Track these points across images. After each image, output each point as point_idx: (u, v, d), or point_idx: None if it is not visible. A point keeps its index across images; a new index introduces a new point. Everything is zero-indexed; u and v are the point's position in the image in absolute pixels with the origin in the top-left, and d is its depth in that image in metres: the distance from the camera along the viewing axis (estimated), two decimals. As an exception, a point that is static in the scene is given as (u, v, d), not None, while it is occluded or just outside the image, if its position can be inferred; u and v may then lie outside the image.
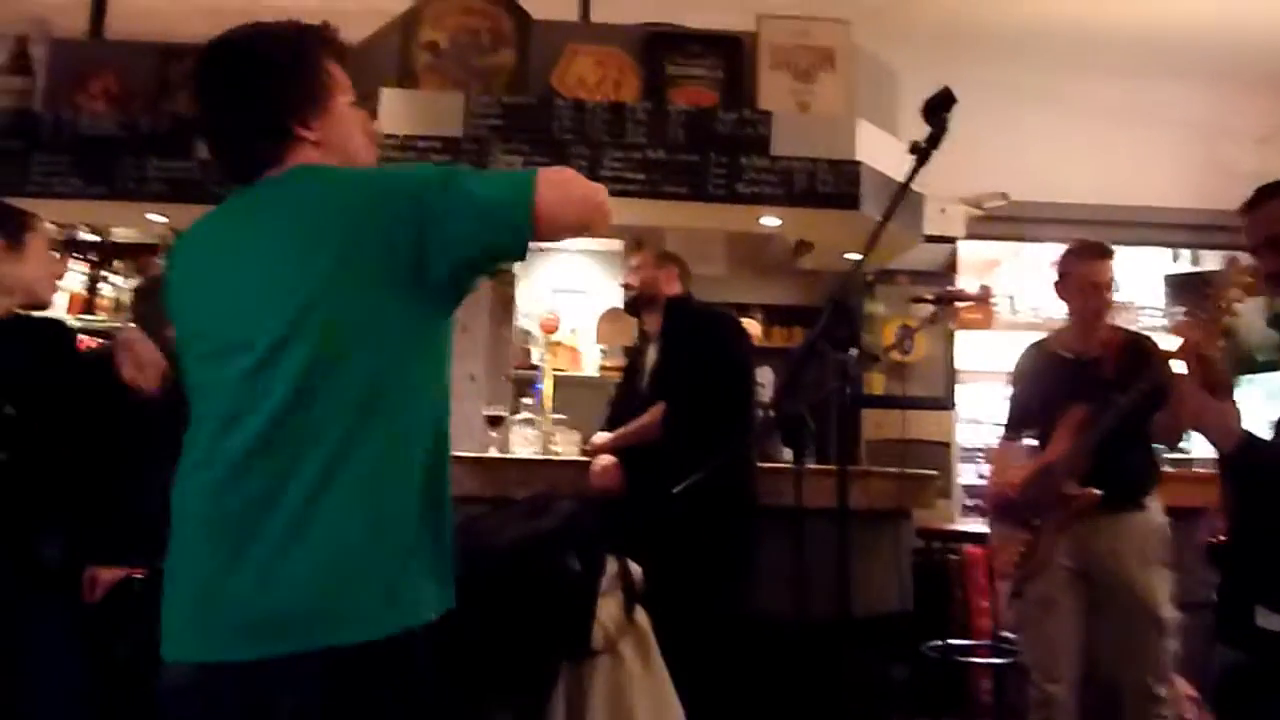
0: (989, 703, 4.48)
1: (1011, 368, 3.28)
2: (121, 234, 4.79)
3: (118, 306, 4.79)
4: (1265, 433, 1.88)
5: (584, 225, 1.34)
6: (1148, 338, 3.11)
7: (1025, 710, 3.08)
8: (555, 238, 1.36)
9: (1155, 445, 2.96)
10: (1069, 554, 2.94)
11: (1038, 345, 3.23)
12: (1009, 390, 3.29)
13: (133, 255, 4.87)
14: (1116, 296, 3.06)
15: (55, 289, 2.46)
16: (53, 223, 4.29)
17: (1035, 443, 3.10)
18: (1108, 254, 3.05)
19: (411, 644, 1.22)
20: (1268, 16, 4.63)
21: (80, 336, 2.65)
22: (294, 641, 1.17)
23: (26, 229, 2.32)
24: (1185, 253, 5.83)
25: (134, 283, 4.60)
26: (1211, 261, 5.68)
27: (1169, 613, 2.91)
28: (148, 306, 3.09)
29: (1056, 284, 3.14)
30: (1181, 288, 5.34)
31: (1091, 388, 2.89)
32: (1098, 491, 2.84)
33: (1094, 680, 2.99)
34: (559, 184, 1.30)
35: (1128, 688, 2.90)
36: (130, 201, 4.08)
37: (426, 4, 4.13)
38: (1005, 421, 3.29)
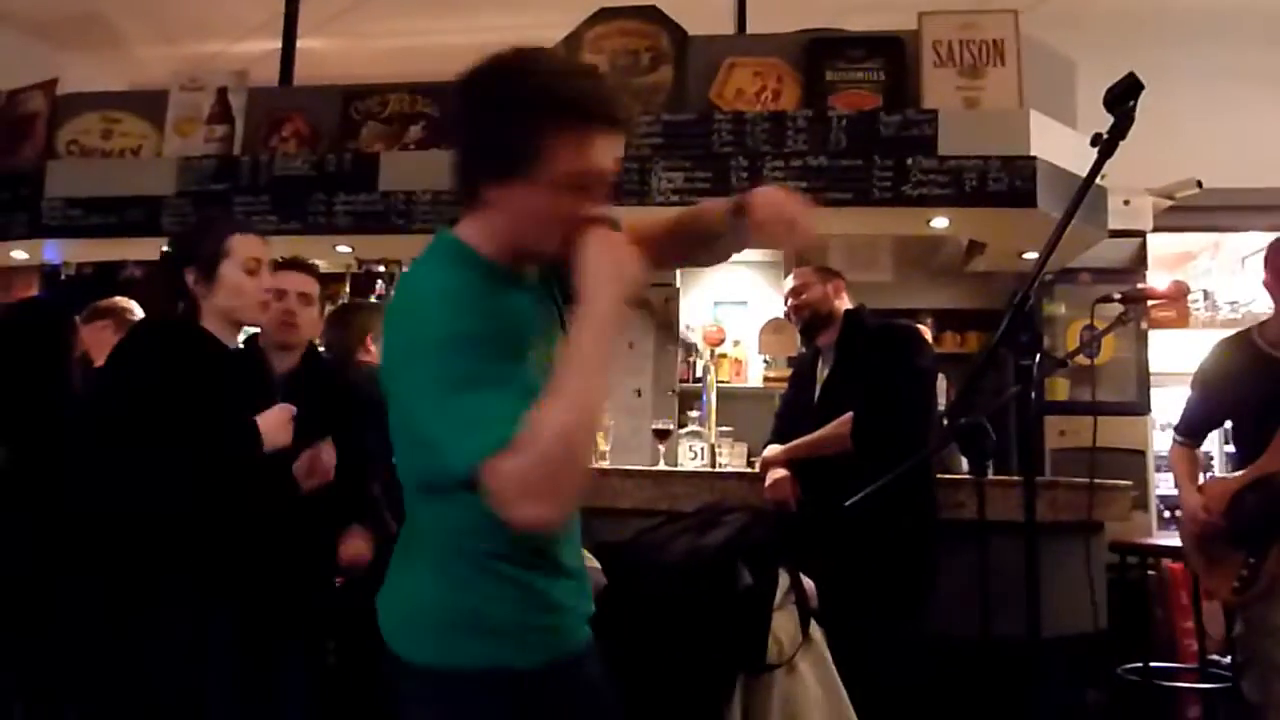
0: (1198, 731, 4.15)
1: (1201, 365, 3.01)
2: (313, 265, 5.14)
3: (310, 333, 5.14)
4: None
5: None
6: None
7: None
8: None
9: None
10: None
11: (1235, 339, 2.94)
12: (1192, 390, 3.01)
13: (323, 285, 5.20)
14: None
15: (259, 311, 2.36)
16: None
17: (1234, 450, 2.83)
18: None
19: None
20: None
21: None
22: None
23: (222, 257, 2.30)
24: None
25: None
26: None
27: None
28: (337, 332, 3.30)
29: (1265, 279, 2.87)
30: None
31: None
32: None
33: None
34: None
35: None
36: (320, 235, 4.38)
37: (586, 29, 4.24)
38: (1181, 424, 3.03)
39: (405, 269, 1.39)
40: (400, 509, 1.37)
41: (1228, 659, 3.88)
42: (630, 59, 4.17)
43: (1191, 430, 3.00)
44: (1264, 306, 5.40)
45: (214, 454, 2.08)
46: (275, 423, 2.15)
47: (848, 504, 2.21)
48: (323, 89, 4.67)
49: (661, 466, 3.77)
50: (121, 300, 3.39)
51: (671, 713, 2.15)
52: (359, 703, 2.38)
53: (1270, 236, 5.48)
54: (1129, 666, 3.97)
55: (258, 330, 2.58)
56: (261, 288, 2.25)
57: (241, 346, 2.41)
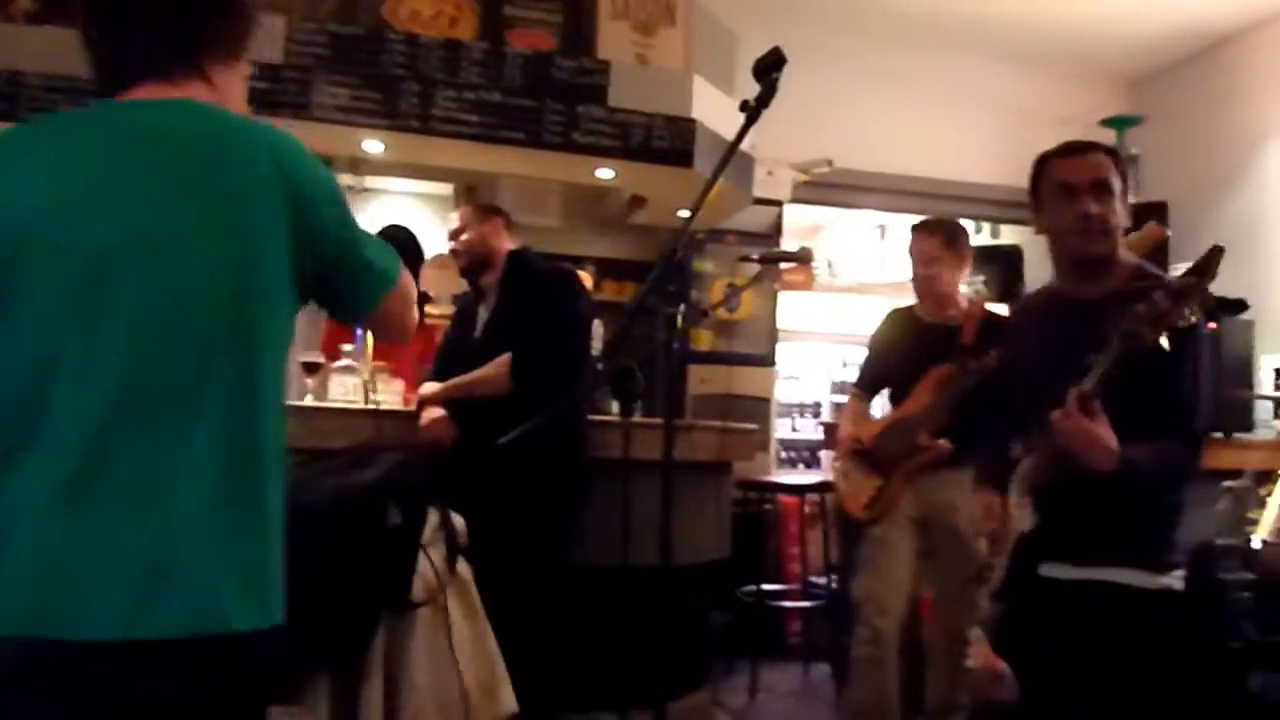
0: (798, 644, 4.75)
1: (873, 331, 3.44)
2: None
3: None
4: None
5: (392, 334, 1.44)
6: (1004, 315, 3.31)
7: (845, 647, 3.26)
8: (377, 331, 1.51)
9: None
10: (912, 502, 3.14)
11: (901, 311, 3.39)
12: (867, 350, 3.46)
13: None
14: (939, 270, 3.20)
15: None
16: None
17: (888, 402, 3.31)
18: (924, 230, 3.26)
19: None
20: (1073, 8, 4.97)
21: None
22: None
23: None
24: (986, 225, 6.23)
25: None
26: (1010, 235, 6.11)
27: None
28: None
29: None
30: (981, 260, 5.70)
31: (950, 352, 3.07)
32: (947, 444, 3.03)
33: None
34: (407, 297, 1.40)
35: (940, 628, 3.14)
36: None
37: (245, -82, 3.83)
38: (858, 379, 3.47)
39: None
40: None
41: (822, 580, 4.46)
42: (295, -40, 3.83)
43: (864, 384, 3.45)
44: (870, 276, 6.21)
45: None
46: None
47: (501, 441, 2.24)
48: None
49: (310, 402, 3.58)
50: None
51: (312, 654, 2.07)
52: None
53: (882, 216, 6.30)
54: (746, 589, 4.44)
55: None
56: None
57: None
